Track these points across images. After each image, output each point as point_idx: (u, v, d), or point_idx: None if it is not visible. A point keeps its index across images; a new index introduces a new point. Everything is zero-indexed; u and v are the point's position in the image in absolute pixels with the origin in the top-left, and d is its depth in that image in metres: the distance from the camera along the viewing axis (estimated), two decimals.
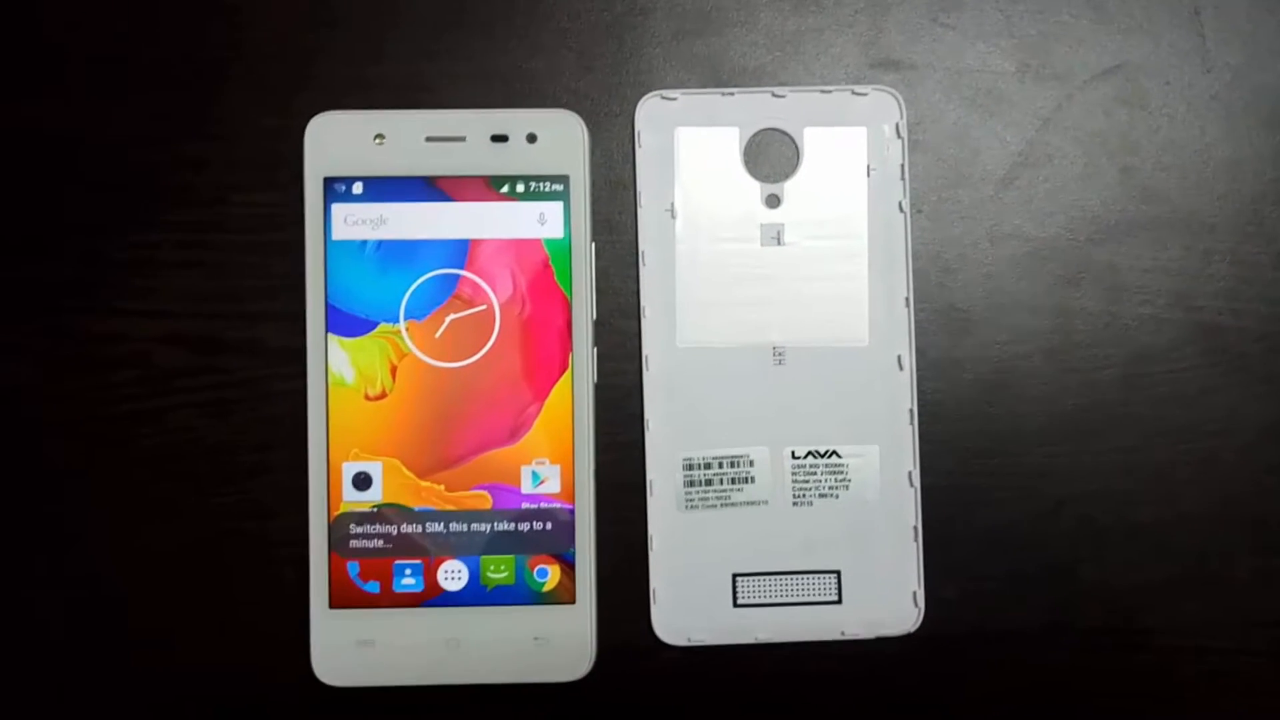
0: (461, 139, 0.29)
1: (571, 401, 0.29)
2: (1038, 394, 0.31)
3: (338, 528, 0.28)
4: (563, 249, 0.29)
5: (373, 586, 0.28)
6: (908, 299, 0.30)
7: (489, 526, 0.29)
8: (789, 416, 0.30)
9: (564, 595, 0.29)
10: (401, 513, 0.28)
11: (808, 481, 0.30)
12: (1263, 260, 0.31)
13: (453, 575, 0.29)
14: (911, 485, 0.30)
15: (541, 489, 0.29)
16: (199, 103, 0.30)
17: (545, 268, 0.29)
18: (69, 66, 0.30)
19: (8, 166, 0.30)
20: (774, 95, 0.31)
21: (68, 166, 0.30)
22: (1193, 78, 0.31)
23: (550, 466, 0.29)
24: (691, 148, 0.30)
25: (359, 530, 0.28)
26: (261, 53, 0.30)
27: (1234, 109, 0.31)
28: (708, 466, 0.30)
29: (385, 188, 0.29)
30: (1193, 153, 0.31)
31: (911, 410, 0.30)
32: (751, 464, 0.30)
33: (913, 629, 0.30)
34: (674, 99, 0.30)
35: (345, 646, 0.28)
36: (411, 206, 0.29)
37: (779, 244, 0.30)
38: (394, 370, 0.29)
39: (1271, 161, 0.31)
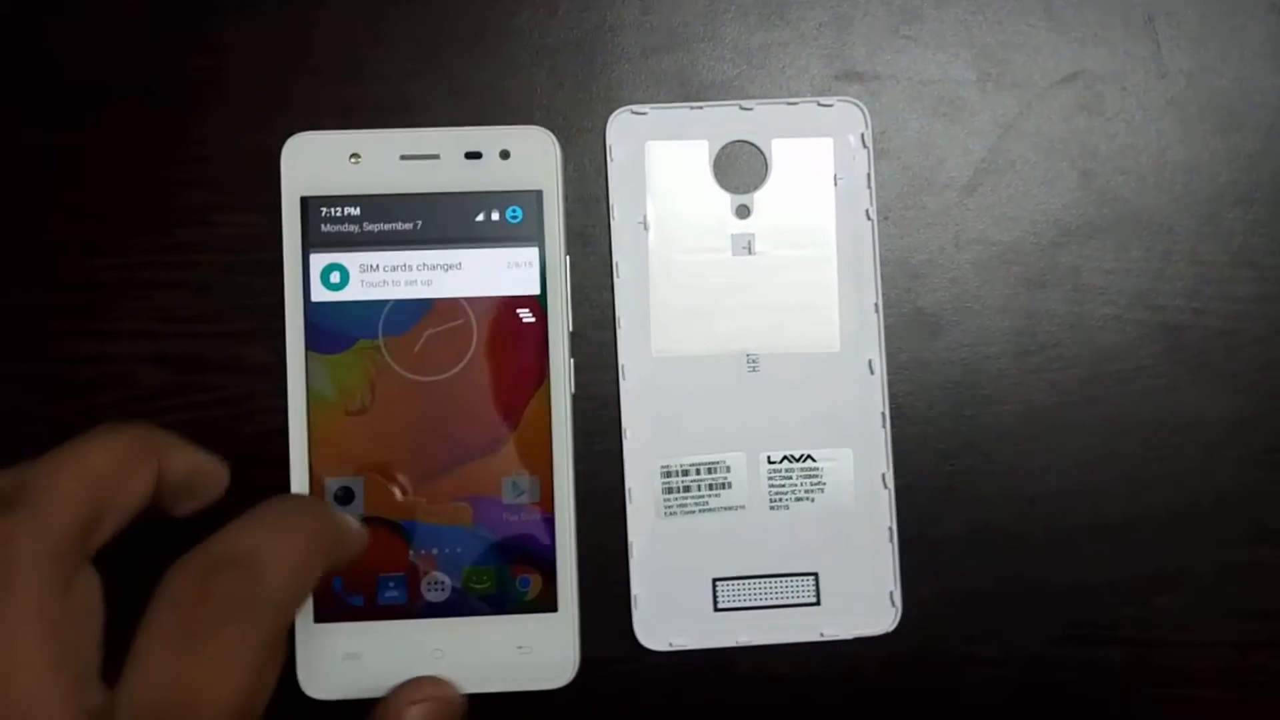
0: (436, 157, 0.30)
1: (549, 412, 0.29)
2: (1006, 395, 0.31)
3: None
4: (538, 262, 0.29)
5: (357, 600, 0.29)
6: (877, 305, 0.31)
7: (471, 538, 0.29)
8: (764, 422, 0.30)
9: (546, 604, 0.29)
10: (384, 526, 0.29)
11: (784, 486, 0.30)
12: (1221, 260, 0.32)
13: (436, 587, 0.29)
14: (885, 487, 0.30)
15: (522, 499, 0.29)
16: (181, 124, 0.31)
17: (521, 281, 0.29)
18: (52, 90, 0.31)
19: None
20: (742, 108, 0.31)
21: (50, 189, 0.31)
22: (1148, 84, 0.32)
23: (530, 477, 0.29)
24: (662, 161, 0.31)
25: None
26: (242, 75, 0.31)
27: (1189, 113, 0.32)
28: (685, 473, 0.30)
29: (361, 206, 0.29)
30: (1150, 156, 0.32)
31: (883, 413, 0.31)
32: (728, 470, 0.30)
33: (890, 628, 0.30)
34: (644, 113, 0.31)
35: (331, 660, 0.29)
36: (387, 225, 0.29)
37: (750, 254, 0.31)
38: (373, 385, 0.29)
39: (1226, 164, 0.32)
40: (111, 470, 0.22)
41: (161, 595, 0.20)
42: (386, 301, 0.29)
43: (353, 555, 0.25)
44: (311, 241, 0.29)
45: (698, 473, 0.30)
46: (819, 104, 0.31)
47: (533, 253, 0.30)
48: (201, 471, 0.25)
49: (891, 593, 0.30)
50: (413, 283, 0.29)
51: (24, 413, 0.30)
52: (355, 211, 0.29)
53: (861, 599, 0.30)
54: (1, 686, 0.19)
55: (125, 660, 0.19)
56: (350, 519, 0.25)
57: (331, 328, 0.29)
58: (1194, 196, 0.32)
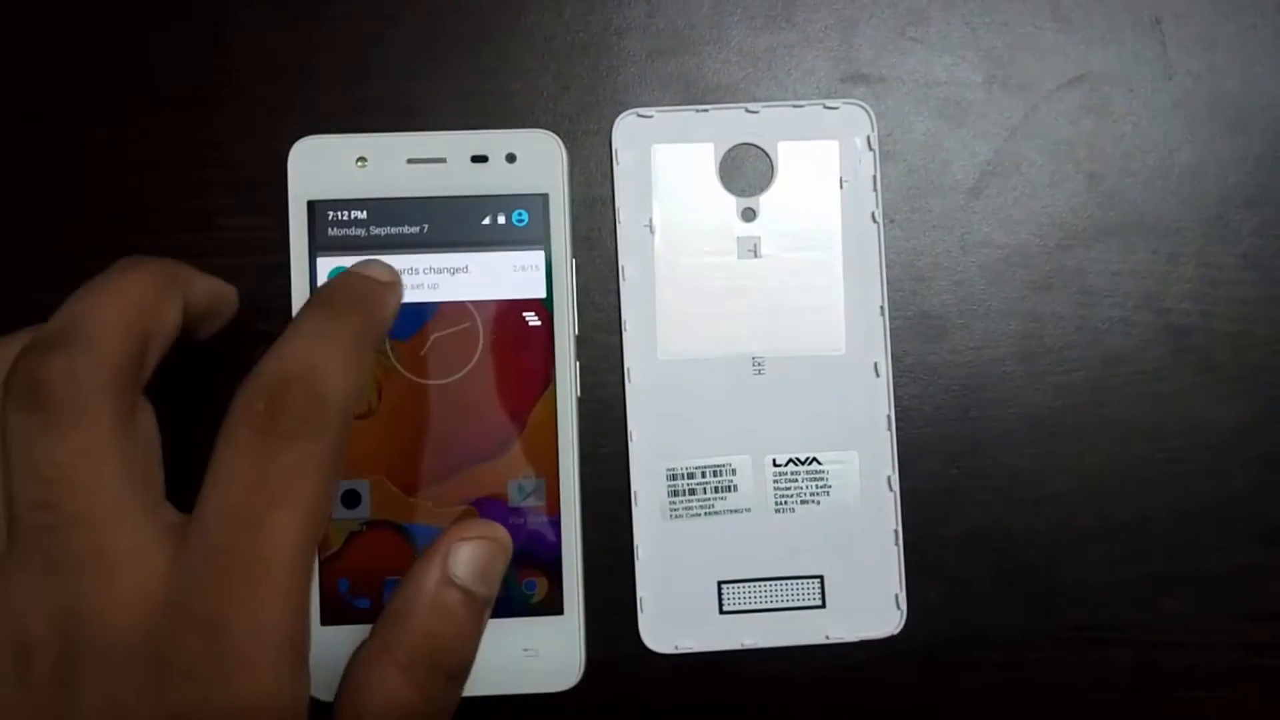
0: (442, 160, 0.30)
1: (555, 415, 0.29)
2: (1012, 397, 0.31)
3: (327, 545, 0.29)
4: (544, 266, 0.30)
5: (364, 603, 0.29)
6: (882, 307, 0.31)
7: None
8: (769, 425, 0.30)
9: (552, 606, 0.29)
10: (390, 529, 0.29)
11: (789, 489, 0.30)
12: (1229, 262, 0.32)
13: None
14: (891, 490, 0.30)
15: (528, 502, 0.29)
16: (188, 128, 0.31)
17: (527, 285, 0.30)
18: (59, 92, 0.31)
19: None
20: (747, 111, 0.31)
21: (55, 191, 0.31)
22: (1155, 85, 0.32)
23: (536, 480, 0.29)
24: (668, 164, 0.31)
25: (348, 548, 0.29)
26: (249, 78, 0.31)
27: (1196, 115, 0.32)
28: (691, 476, 0.30)
29: (368, 210, 0.29)
30: (1157, 158, 0.32)
31: (889, 416, 0.31)
32: (734, 473, 0.30)
33: (896, 631, 0.30)
34: (650, 116, 0.31)
35: (338, 662, 0.29)
36: (394, 228, 0.29)
37: (755, 256, 0.31)
38: (380, 388, 0.29)
39: (1234, 165, 0.32)
40: (149, 299, 0.23)
41: (235, 416, 0.21)
42: None
43: (383, 333, 0.25)
44: (319, 245, 0.29)
45: (703, 475, 0.30)
46: (825, 106, 0.31)
47: (539, 256, 0.30)
48: (217, 294, 0.27)
49: (897, 595, 0.30)
50: (419, 286, 0.29)
51: None
52: (362, 215, 0.29)
53: (867, 601, 0.30)
54: (89, 510, 0.20)
55: (206, 471, 0.21)
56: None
57: None
58: (1201, 199, 0.32)
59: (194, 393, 0.26)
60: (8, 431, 0.21)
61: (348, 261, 0.29)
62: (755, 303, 0.31)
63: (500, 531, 0.26)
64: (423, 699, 0.23)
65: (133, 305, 0.22)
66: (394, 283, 0.26)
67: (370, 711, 0.23)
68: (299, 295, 0.29)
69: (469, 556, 0.25)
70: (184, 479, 0.22)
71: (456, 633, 0.24)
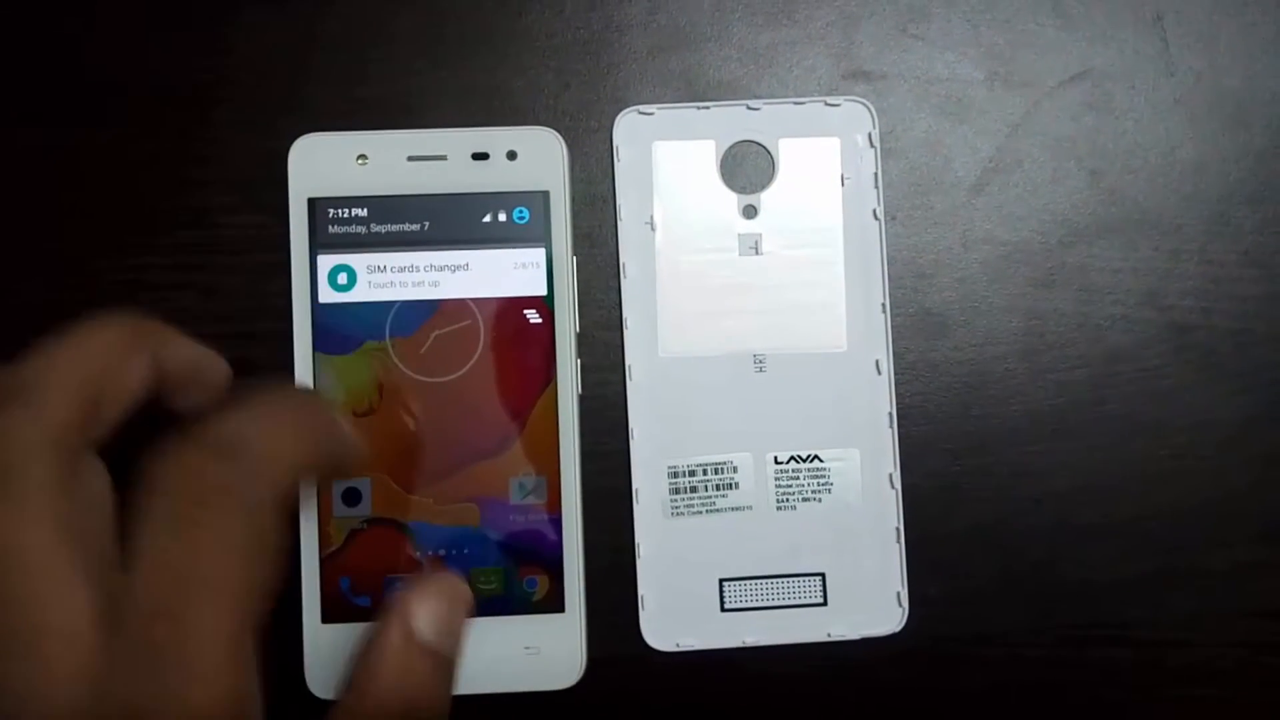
0: (443, 158, 0.30)
1: (556, 413, 0.29)
2: (1014, 395, 0.31)
3: (328, 543, 0.29)
4: (545, 263, 0.30)
5: (364, 600, 0.29)
6: (884, 304, 0.31)
7: (478, 538, 0.29)
8: (771, 422, 0.30)
9: (554, 604, 0.29)
10: (391, 527, 0.29)
11: (791, 486, 0.30)
12: (1230, 259, 0.32)
13: None
14: (892, 487, 0.30)
15: (529, 500, 0.29)
16: (188, 126, 0.31)
17: (528, 282, 0.29)
18: (59, 91, 0.31)
19: None
20: (749, 108, 0.31)
21: (56, 189, 0.31)
22: (1157, 82, 0.32)
23: (537, 477, 0.29)
24: (669, 161, 0.31)
25: (349, 545, 0.29)
26: (249, 76, 0.31)
27: (1197, 111, 0.32)
28: (692, 474, 0.30)
29: (368, 207, 0.29)
30: (1158, 155, 0.32)
31: (890, 413, 0.31)
32: (735, 470, 0.30)
33: (897, 629, 0.30)
34: (651, 114, 0.31)
35: (338, 660, 0.29)
36: (395, 226, 0.29)
37: (757, 253, 0.31)
38: (381, 386, 0.29)
39: (1235, 162, 0.32)
40: (107, 358, 0.21)
41: (152, 481, 0.19)
42: (394, 303, 0.29)
43: (347, 461, 0.25)
44: (319, 243, 0.29)
45: (705, 473, 0.30)
46: (826, 104, 0.31)
47: (539, 253, 0.30)
48: (200, 363, 0.25)
49: (899, 593, 0.30)
50: (420, 284, 0.29)
51: None
52: (363, 213, 0.29)
53: (869, 599, 0.30)
54: (19, 586, 0.19)
55: (124, 546, 0.19)
56: (345, 424, 0.25)
57: (339, 329, 0.29)
58: (1203, 195, 0.32)
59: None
60: None
61: (348, 259, 0.29)
62: (756, 300, 0.31)
63: (458, 583, 0.25)
64: None
65: (87, 363, 0.21)
66: (358, 441, 0.25)
67: None
68: (299, 293, 0.29)
69: (429, 613, 0.24)
70: None
71: (425, 692, 0.24)
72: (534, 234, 0.30)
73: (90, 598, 0.19)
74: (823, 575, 0.30)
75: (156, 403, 0.23)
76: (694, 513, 0.30)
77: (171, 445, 0.20)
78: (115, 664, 0.18)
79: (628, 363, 0.30)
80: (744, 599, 0.30)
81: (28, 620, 0.18)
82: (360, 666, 0.24)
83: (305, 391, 0.28)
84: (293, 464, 0.21)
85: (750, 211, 0.31)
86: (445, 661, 0.24)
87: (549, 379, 0.29)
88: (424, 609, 0.24)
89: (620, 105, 0.31)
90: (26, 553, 0.19)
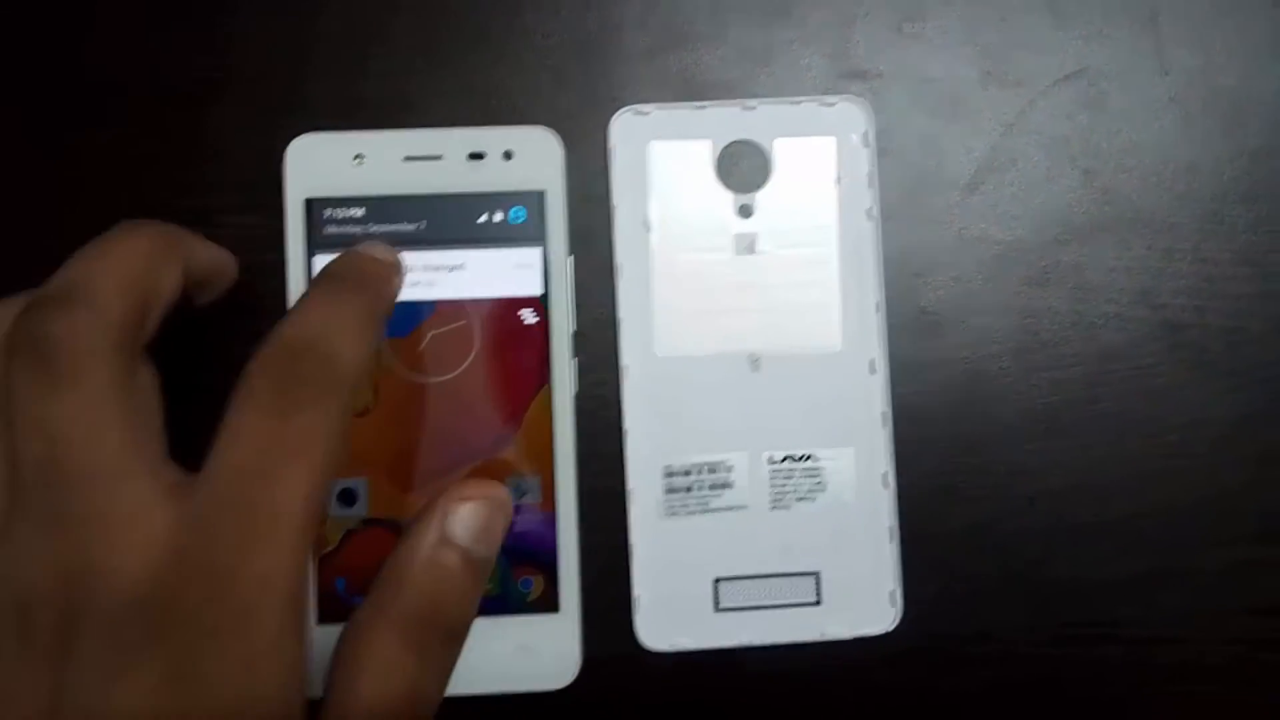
0: (439, 158, 0.30)
1: (552, 412, 0.29)
2: (1008, 393, 0.31)
3: (323, 543, 0.29)
4: (541, 263, 0.30)
5: (360, 601, 0.29)
6: (878, 304, 0.31)
7: None
8: (766, 422, 0.31)
9: (548, 604, 0.29)
10: (387, 527, 0.29)
11: (785, 485, 0.30)
12: (1224, 258, 0.32)
13: None
14: (886, 486, 0.31)
15: (524, 499, 0.29)
16: (184, 126, 0.31)
17: (524, 282, 0.30)
18: (55, 91, 0.31)
19: None
20: (744, 108, 0.31)
21: (54, 189, 0.31)
22: (1151, 81, 0.32)
23: (532, 477, 0.29)
24: (665, 161, 0.31)
25: (345, 546, 0.29)
26: (246, 76, 0.31)
27: (1192, 111, 0.32)
28: (687, 473, 0.30)
29: (365, 207, 0.29)
30: (1152, 154, 0.32)
31: (885, 413, 0.31)
32: (730, 470, 0.30)
33: (891, 628, 0.30)
34: (647, 113, 0.31)
35: None
36: (391, 226, 0.29)
37: (752, 253, 0.31)
38: (377, 386, 0.29)
39: (1229, 161, 0.32)
40: (149, 262, 0.23)
41: (250, 378, 0.21)
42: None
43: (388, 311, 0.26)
44: (316, 243, 0.29)
45: (699, 473, 0.30)
46: (821, 103, 0.31)
47: (536, 253, 0.30)
48: (217, 261, 0.27)
49: (893, 592, 0.30)
50: (416, 284, 0.29)
51: None
52: (359, 213, 0.29)
53: (863, 598, 0.30)
54: (91, 467, 0.20)
55: (215, 433, 0.21)
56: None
57: None
58: (1196, 194, 0.32)
59: (192, 360, 0.27)
60: (9, 390, 0.21)
61: None
62: (752, 299, 0.31)
63: (500, 490, 0.25)
64: (418, 660, 0.23)
65: (133, 267, 0.22)
66: (396, 263, 0.26)
67: (366, 673, 0.22)
68: (296, 293, 0.29)
69: (468, 516, 0.24)
70: (183, 444, 0.22)
71: (453, 592, 0.24)
72: (530, 234, 0.30)
73: (159, 478, 0.21)
74: (817, 575, 0.30)
75: (180, 301, 0.25)
76: (689, 512, 0.30)
77: (262, 350, 0.22)
78: (195, 532, 0.20)
79: (623, 362, 0.30)
80: (739, 599, 0.30)
81: (104, 499, 0.20)
82: (390, 562, 0.24)
83: (355, 270, 0.26)
84: (368, 343, 0.23)
85: (746, 211, 0.31)
86: (478, 565, 0.24)
87: (544, 379, 0.29)
88: (463, 510, 0.24)
89: (616, 105, 0.31)
90: (101, 438, 0.20)
